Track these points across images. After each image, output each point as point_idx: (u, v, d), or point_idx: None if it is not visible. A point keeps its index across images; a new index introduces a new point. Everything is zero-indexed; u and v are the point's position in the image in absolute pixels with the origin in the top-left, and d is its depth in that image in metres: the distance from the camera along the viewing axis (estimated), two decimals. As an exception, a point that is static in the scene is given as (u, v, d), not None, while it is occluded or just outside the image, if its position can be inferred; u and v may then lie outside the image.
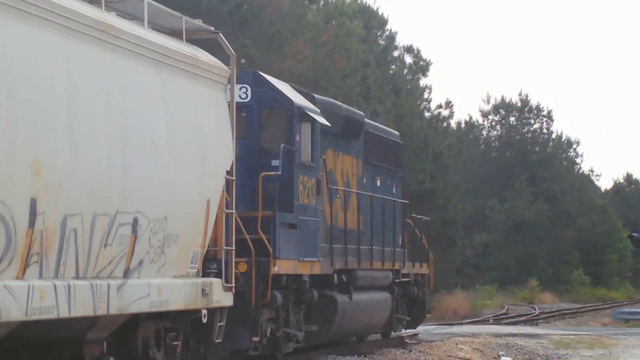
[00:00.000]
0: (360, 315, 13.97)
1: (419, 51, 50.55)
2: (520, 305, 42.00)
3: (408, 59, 50.28)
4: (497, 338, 18.32)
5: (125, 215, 6.49)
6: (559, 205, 60.76)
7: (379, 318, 15.19)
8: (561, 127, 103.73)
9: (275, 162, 10.78)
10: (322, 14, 34.99)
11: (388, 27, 48.56)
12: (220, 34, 8.65)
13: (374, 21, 46.75)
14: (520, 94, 66.42)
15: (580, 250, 60.53)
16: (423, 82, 50.20)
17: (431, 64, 50.65)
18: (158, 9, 7.52)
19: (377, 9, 47.37)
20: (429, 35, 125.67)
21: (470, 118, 66.41)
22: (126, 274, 6.62)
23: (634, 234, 32.33)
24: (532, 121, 66.89)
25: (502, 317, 29.98)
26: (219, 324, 8.27)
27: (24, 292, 5.16)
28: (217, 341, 8.41)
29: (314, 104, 12.35)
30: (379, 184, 15.60)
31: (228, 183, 8.45)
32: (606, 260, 61.43)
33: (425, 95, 49.48)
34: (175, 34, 8.07)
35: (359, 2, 43.68)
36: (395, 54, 49.14)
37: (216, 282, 8.13)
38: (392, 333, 16.69)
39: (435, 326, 22.29)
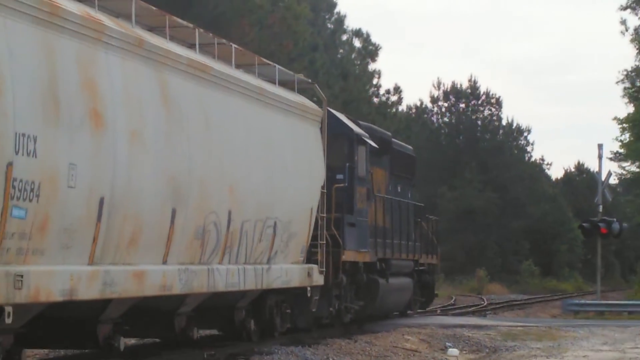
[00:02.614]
0: (393, 295, 17.19)
1: (368, 35, 49.12)
2: (469, 296, 40.47)
3: (357, 43, 48.96)
4: (445, 329, 17.29)
5: (270, 220, 9.49)
6: (508, 194, 59.04)
7: (404, 298, 18.57)
8: (512, 114, 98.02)
9: (339, 176, 13.66)
10: (269, -5, 33.59)
11: (337, 10, 47.53)
12: (316, 85, 11.58)
13: (322, 4, 45.51)
14: (470, 80, 63.55)
15: (530, 240, 59.23)
16: (372, 66, 49.00)
17: (380, 48, 49.47)
18: (283, 71, 10.68)
19: (326, -10, 45.21)
20: (378, 19, 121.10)
21: (421, 104, 63.94)
22: (269, 261, 9.62)
23: (584, 224, 30.91)
24: (482, 108, 63.90)
25: (450, 307, 28.50)
26: (315, 298, 11.16)
27: (224, 273, 8.09)
28: (312, 310, 11.31)
29: (359, 127, 15.43)
30: (399, 190, 18.67)
31: (321, 194, 11.30)
32: (556, 250, 59.88)
33: (374, 80, 48.32)
34: (287, 84, 11.01)
35: (306, -17, 41.63)
36: (344, 37, 47.81)
37: (315, 267, 11.16)
38: (408, 312, 20.04)
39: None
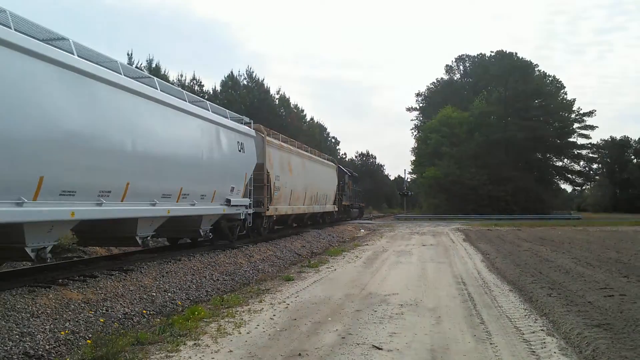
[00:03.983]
0: (353, 213, 52.73)
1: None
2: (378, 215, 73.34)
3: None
4: (360, 224, 37.18)
5: (321, 192, 33.72)
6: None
7: (356, 214, 53.04)
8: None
9: (341, 183, 41.84)
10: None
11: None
12: (335, 160, 37.83)
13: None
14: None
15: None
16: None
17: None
18: (327, 157, 36.76)
19: None
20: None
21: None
22: (325, 204, 34.15)
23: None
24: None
25: (366, 218, 57.33)
26: (335, 214, 37.17)
27: (317, 208, 32.73)
28: (334, 218, 37.16)
29: (346, 168, 45.06)
30: (355, 186, 51.20)
31: (336, 187, 36.89)
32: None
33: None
34: (327, 159, 36.32)
35: None
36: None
37: (334, 206, 36.53)
38: (357, 219, 52.27)
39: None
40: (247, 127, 19.44)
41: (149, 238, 13.25)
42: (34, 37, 9.09)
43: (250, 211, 19.52)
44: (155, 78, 13.54)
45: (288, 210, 26.74)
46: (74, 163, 9.46)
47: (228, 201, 17.05)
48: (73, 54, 9.89)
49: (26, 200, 8.37)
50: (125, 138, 11.23)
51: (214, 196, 16.12)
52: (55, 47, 9.51)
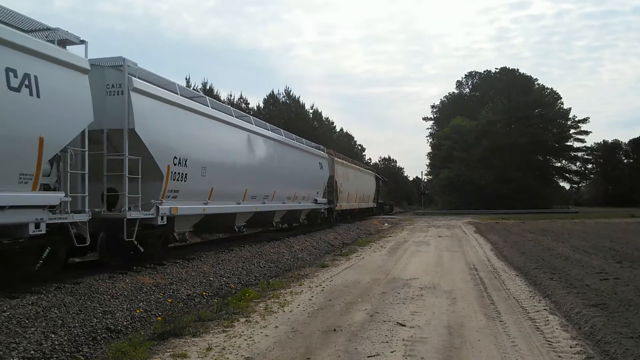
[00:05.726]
0: (385, 209, 51.96)
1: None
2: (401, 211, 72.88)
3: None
4: (384, 219, 39.70)
5: (366, 194, 34.42)
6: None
7: (389, 210, 52.61)
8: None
9: (376, 187, 44.67)
10: None
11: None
12: (374, 171, 38.09)
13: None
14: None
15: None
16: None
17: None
18: (368, 166, 35.47)
19: None
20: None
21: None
22: (365, 204, 34.74)
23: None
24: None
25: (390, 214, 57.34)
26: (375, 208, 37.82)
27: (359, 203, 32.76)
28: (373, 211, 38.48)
29: (380, 174, 44.90)
30: (385, 187, 49.24)
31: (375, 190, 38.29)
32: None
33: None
34: (369, 169, 36.86)
35: None
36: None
37: (374, 203, 36.82)
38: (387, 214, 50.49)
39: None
40: (323, 152, 26.53)
41: (279, 223, 20.66)
42: (188, 97, 12.64)
43: (327, 207, 26.11)
44: (282, 130, 20.46)
45: (347, 207, 32.78)
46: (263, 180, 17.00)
47: (315, 201, 23.86)
48: (207, 105, 13.56)
49: (241, 201, 15.32)
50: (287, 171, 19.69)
51: (308, 198, 22.94)
52: (198, 102, 13.12)
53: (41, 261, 8.48)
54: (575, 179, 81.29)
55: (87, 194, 8.79)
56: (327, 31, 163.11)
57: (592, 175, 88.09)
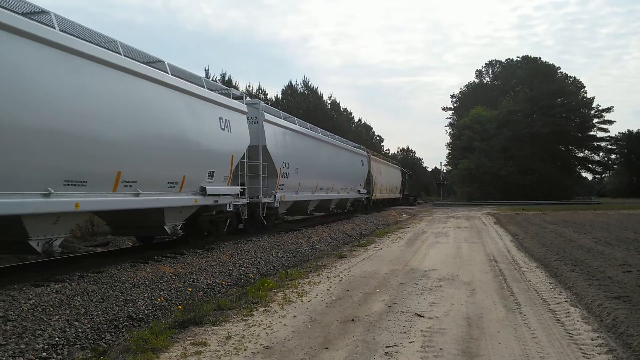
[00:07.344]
0: (409, 200, 54.29)
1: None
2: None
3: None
4: (403, 209, 39.33)
5: (394, 185, 34.55)
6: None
7: (411, 200, 53.57)
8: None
9: (402, 180, 45.51)
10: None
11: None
12: (399, 164, 39.31)
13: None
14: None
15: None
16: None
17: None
18: (394, 160, 35.50)
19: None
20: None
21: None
22: (394, 195, 34.99)
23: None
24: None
25: (408, 205, 55.63)
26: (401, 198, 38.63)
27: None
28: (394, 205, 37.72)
29: (405, 168, 45.67)
30: (409, 179, 49.05)
31: (401, 183, 38.73)
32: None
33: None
34: (393, 161, 37.75)
35: None
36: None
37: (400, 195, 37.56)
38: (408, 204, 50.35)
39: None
40: (363, 151, 32.39)
41: (334, 209, 26.82)
42: (285, 119, 18.95)
43: (366, 196, 32.55)
44: (336, 136, 26.41)
45: (380, 197, 38.03)
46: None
47: (358, 191, 30.49)
48: (296, 124, 20.09)
49: (314, 192, 21.30)
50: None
51: (353, 189, 29.30)
52: (290, 122, 19.40)
53: (226, 226, 14.30)
54: (598, 169, 79.66)
55: (246, 187, 14.91)
56: (346, 21, 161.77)
57: (615, 166, 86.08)
